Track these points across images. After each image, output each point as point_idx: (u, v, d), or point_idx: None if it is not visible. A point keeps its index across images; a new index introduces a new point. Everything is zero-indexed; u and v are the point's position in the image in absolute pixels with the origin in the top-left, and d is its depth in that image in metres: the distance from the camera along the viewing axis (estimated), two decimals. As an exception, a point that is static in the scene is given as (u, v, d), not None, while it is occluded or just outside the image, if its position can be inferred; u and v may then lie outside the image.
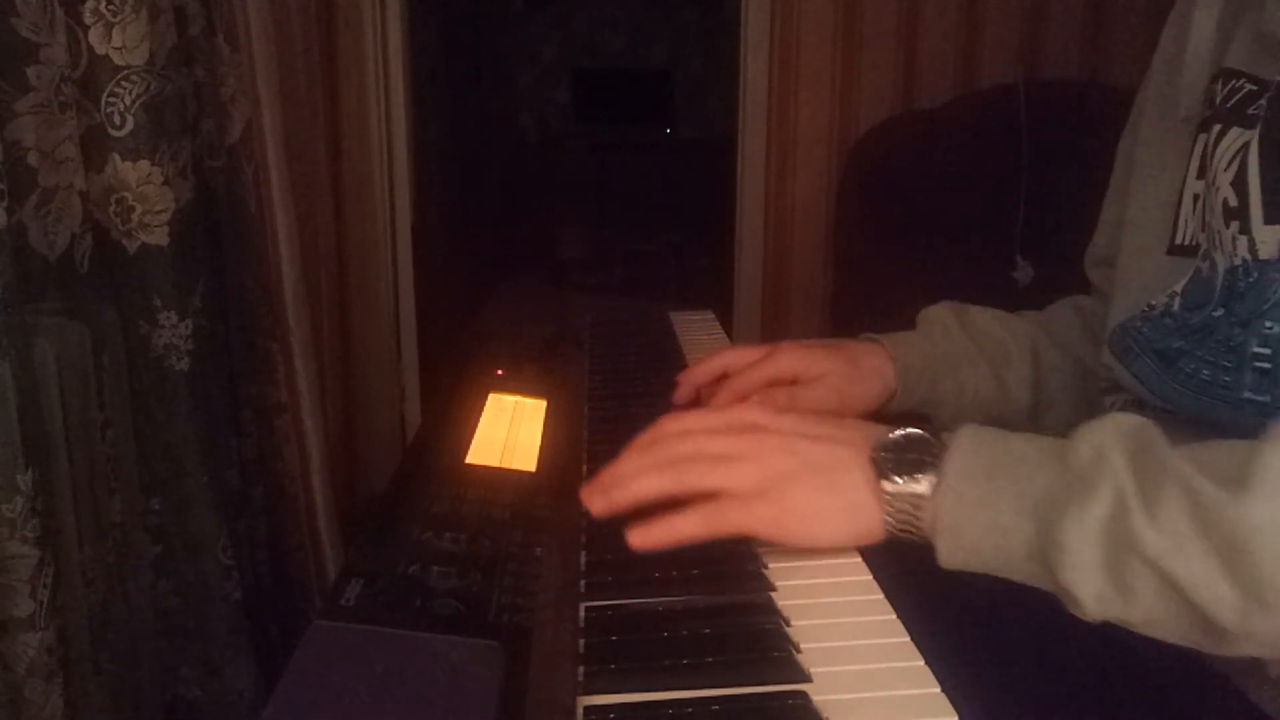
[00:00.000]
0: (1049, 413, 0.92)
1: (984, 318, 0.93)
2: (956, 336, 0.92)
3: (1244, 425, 0.65)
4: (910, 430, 0.64)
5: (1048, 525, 0.56)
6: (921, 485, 0.61)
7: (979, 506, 0.59)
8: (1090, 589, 0.55)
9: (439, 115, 3.69)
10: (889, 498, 0.62)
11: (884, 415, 0.90)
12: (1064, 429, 0.91)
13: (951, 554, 0.60)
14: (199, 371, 1.24)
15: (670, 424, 0.68)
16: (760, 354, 0.88)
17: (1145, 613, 0.55)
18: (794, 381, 0.87)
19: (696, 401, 0.88)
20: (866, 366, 0.89)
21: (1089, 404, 0.91)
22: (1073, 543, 0.55)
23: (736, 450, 0.64)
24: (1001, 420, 0.91)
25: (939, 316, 0.94)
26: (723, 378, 0.88)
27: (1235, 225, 0.66)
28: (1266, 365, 0.64)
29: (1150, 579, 0.53)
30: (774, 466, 0.63)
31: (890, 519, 0.62)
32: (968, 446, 0.61)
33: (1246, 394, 0.65)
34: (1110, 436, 0.57)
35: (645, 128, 5.56)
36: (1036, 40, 2.52)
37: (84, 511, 1.08)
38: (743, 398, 0.85)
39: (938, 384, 0.90)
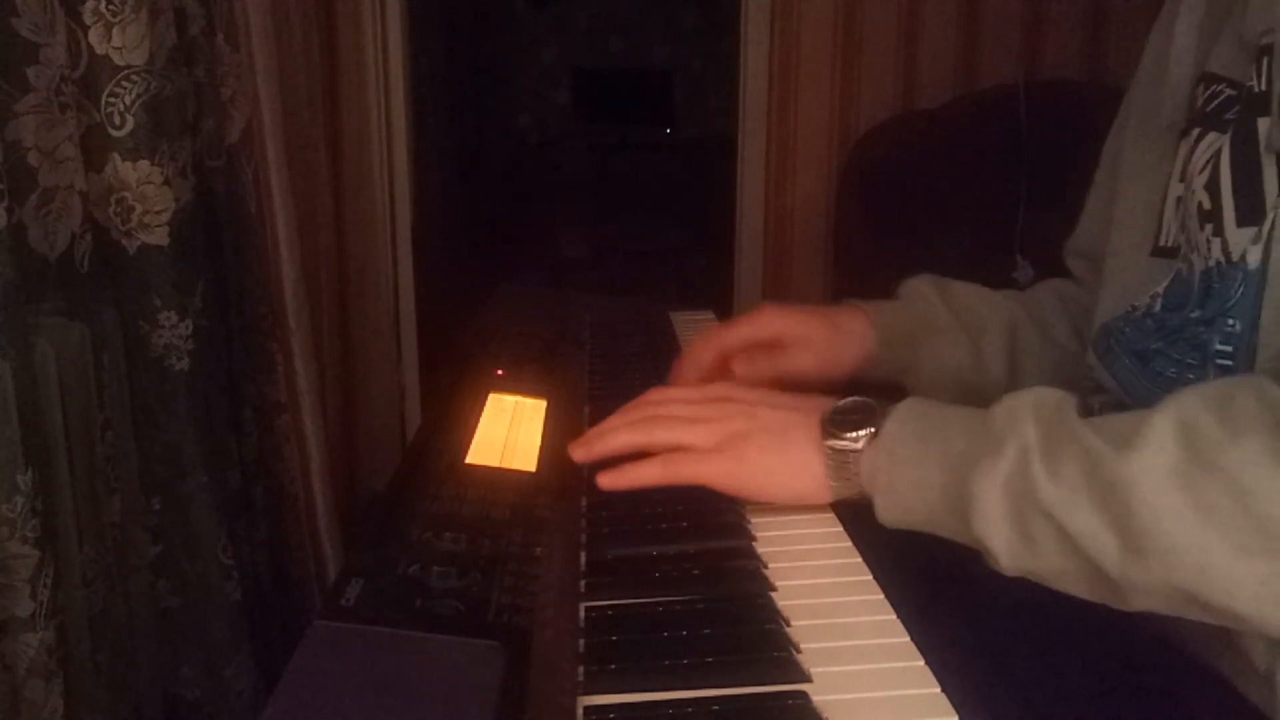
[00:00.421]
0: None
1: (965, 290, 0.95)
2: (937, 306, 0.93)
3: None
4: (858, 398, 0.70)
5: (961, 478, 0.61)
6: (859, 443, 0.67)
7: (908, 464, 0.65)
8: (1000, 540, 0.60)
9: (439, 115, 3.69)
10: (830, 453, 0.68)
11: (863, 383, 0.92)
12: None
13: (888, 510, 0.66)
14: (199, 371, 1.24)
15: (653, 393, 0.77)
16: (745, 319, 0.90)
17: (1049, 565, 0.59)
18: (777, 343, 0.89)
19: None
20: (847, 330, 0.91)
21: (1061, 385, 0.92)
22: (980, 494, 0.60)
23: (702, 414, 0.72)
24: (977, 393, 0.92)
25: (920, 287, 0.95)
26: (723, 357, 0.89)
27: (1210, 228, 0.67)
28: (1228, 363, 0.66)
29: (1049, 530, 0.58)
30: (732, 427, 0.71)
31: (831, 476, 0.68)
32: (905, 412, 0.67)
33: None
34: (1025, 402, 0.62)
35: (645, 128, 5.56)
36: (1036, 40, 2.52)
37: (84, 511, 1.08)
38: (728, 355, 0.88)
39: (916, 351, 0.92)
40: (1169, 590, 0.55)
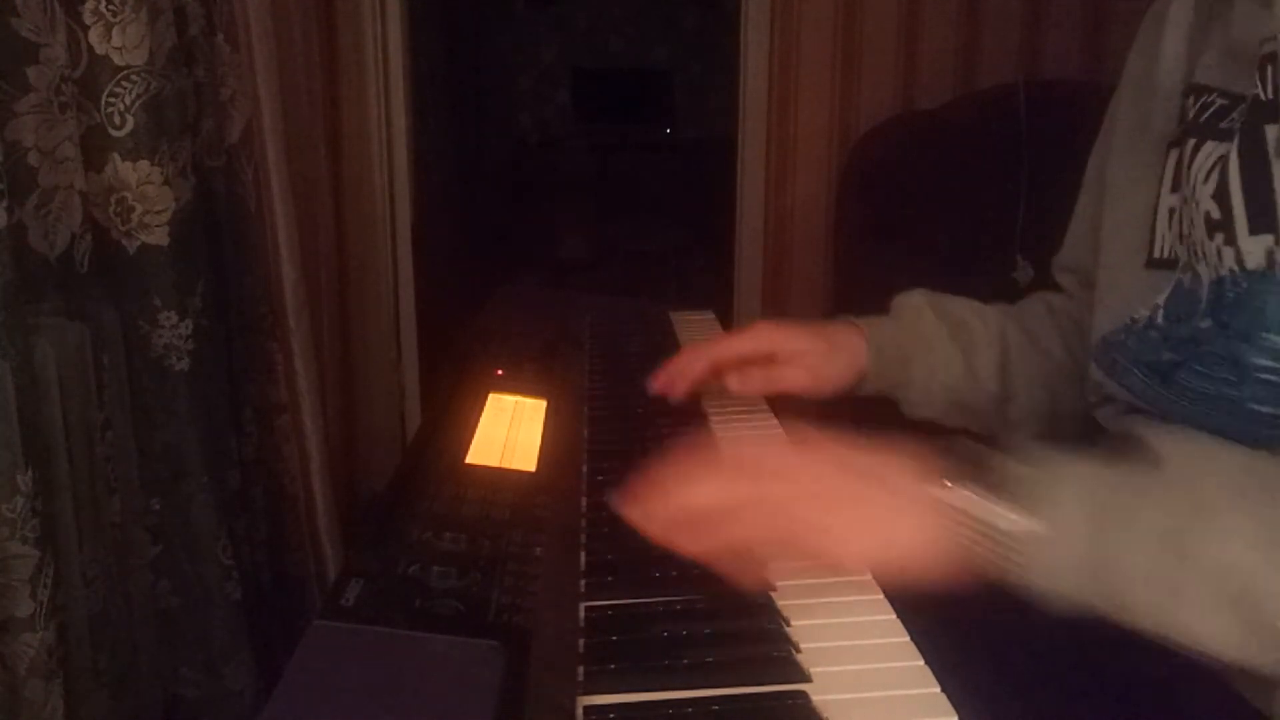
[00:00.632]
0: (1014, 404, 0.93)
1: (957, 305, 0.95)
2: (929, 321, 0.93)
3: (1248, 435, 0.66)
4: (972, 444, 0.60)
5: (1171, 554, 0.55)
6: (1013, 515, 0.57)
7: (1089, 544, 0.56)
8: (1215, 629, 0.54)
9: (439, 115, 3.69)
10: (960, 516, 0.57)
11: (855, 397, 0.92)
12: (1031, 420, 0.93)
13: (1049, 594, 0.57)
14: (199, 371, 1.24)
15: (752, 464, 0.64)
16: (740, 333, 0.90)
17: None
18: (771, 358, 0.89)
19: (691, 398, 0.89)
20: (841, 346, 0.91)
21: (1053, 397, 0.93)
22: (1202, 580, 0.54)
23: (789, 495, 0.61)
24: (969, 406, 0.93)
25: (913, 302, 0.95)
26: (714, 369, 0.89)
27: (1220, 237, 0.67)
28: (1272, 377, 0.65)
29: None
30: (821, 495, 0.60)
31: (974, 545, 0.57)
32: (1072, 480, 0.58)
33: (1251, 405, 0.66)
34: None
35: (645, 128, 5.56)
36: (1036, 40, 2.51)
37: (84, 511, 1.08)
38: (720, 368, 0.87)
39: (909, 367, 0.92)
40: None
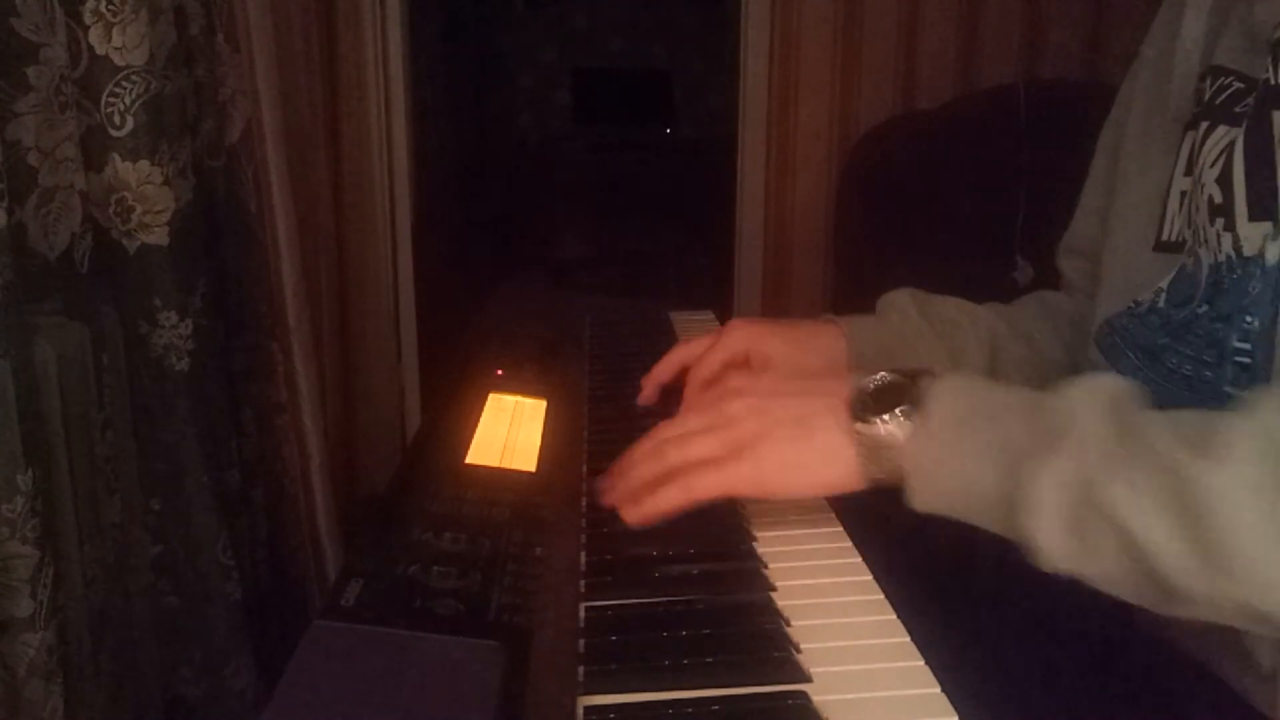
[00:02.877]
0: None
1: (944, 303, 0.93)
2: (914, 319, 0.92)
3: None
4: (887, 374, 0.65)
5: (1015, 474, 0.57)
6: (896, 428, 0.62)
7: (951, 451, 0.60)
8: (1051, 539, 0.56)
9: (439, 115, 3.69)
10: (862, 438, 0.63)
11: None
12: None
13: (922, 496, 0.62)
14: (199, 371, 1.24)
15: (665, 424, 0.71)
16: (712, 339, 0.89)
17: (1102, 568, 0.56)
18: (744, 361, 0.88)
19: (663, 400, 0.89)
20: (816, 347, 0.89)
21: None
22: (1038, 493, 0.56)
23: (713, 422, 0.68)
24: None
25: (897, 300, 0.94)
26: (683, 372, 0.89)
27: (1220, 222, 0.67)
28: (1246, 360, 0.65)
29: (1111, 536, 0.54)
30: (745, 429, 0.67)
31: (865, 461, 0.63)
32: (947, 391, 0.62)
33: (1227, 388, 0.65)
34: (1087, 393, 0.58)
35: (645, 128, 5.55)
36: (1036, 40, 2.52)
37: (84, 511, 1.08)
38: (708, 382, 0.87)
39: (891, 365, 0.90)
40: (1232, 603, 0.53)
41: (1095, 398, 0.58)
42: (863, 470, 0.64)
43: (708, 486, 0.66)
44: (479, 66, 4.89)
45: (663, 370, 0.89)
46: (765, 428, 0.66)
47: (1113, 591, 0.57)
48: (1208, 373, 0.67)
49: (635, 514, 0.67)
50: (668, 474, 0.67)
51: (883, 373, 0.65)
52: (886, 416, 0.63)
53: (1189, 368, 0.69)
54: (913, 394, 0.63)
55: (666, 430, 0.71)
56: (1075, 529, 0.56)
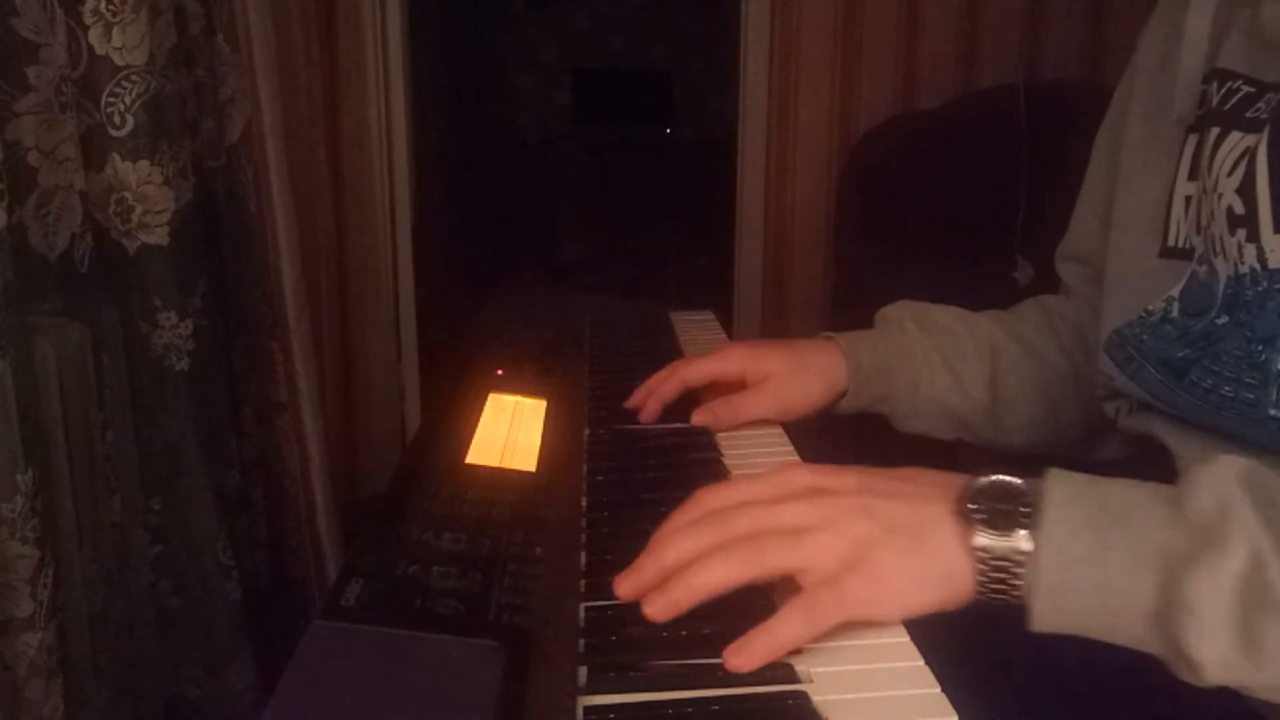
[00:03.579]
0: (1009, 412, 0.91)
1: (942, 315, 0.93)
2: (912, 333, 0.91)
3: (1267, 441, 0.65)
4: (998, 477, 0.57)
5: (1172, 582, 0.51)
6: (1018, 540, 0.54)
7: (1086, 562, 0.53)
8: (1217, 651, 0.50)
9: (439, 115, 3.69)
10: (982, 555, 0.55)
11: (836, 413, 0.91)
12: (1028, 428, 0.91)
13: (1049, 615, 0.54)
14: (199, 371, 1.24)
15: (715, 496, 0.60)
16: (708, 356, 0.89)
17: (1275, 677, 0.50)
18: (740, 383, 0.88)
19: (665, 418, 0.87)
20: (813, 365, 0.89)
21: (1051, 403, 0.91)
22: (1203, 601, 0.50)
23: (809, 519, 0.57)
24: (960, 418, 0.92)
25: (895, 314, 0.94)
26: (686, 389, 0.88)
27: (1242, 233, 0.65)
28: None
29: None
30: (855, 532, 0.56)
31: (982, 577, 0.55)
32: (1066, 494, 0.55)
33: (1272, 412, 0.64)
34: (1231, 483, 0.52)
35: (645, 128, 5.55)
36: (1036, 40, 2.52)
37: (84, 511, 1.08)
38: (688, 387, 0.86)
39: (891, 381, 0.90)
40: None
41: (1241, 487, 0.52)
42: (978, 587, 0.56)
43: (830, 613, 0.55)
44: (479, 66, 4.90)
45: (669, 390, 0.88)
46: (877, 535, 0.56)
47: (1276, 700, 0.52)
48: (1249, 395, 0.65)
49: (749, 658, 0.53)
50: (761, 580, 0.56)
51: (990, 476, 0.57)
52: (1008, 533, 0.55)
53: (1228, 389, 0.66)
54: (1027, 498, 0.55)
55: (730, 515, 0.58)
56: (1246, 638, 0.50)
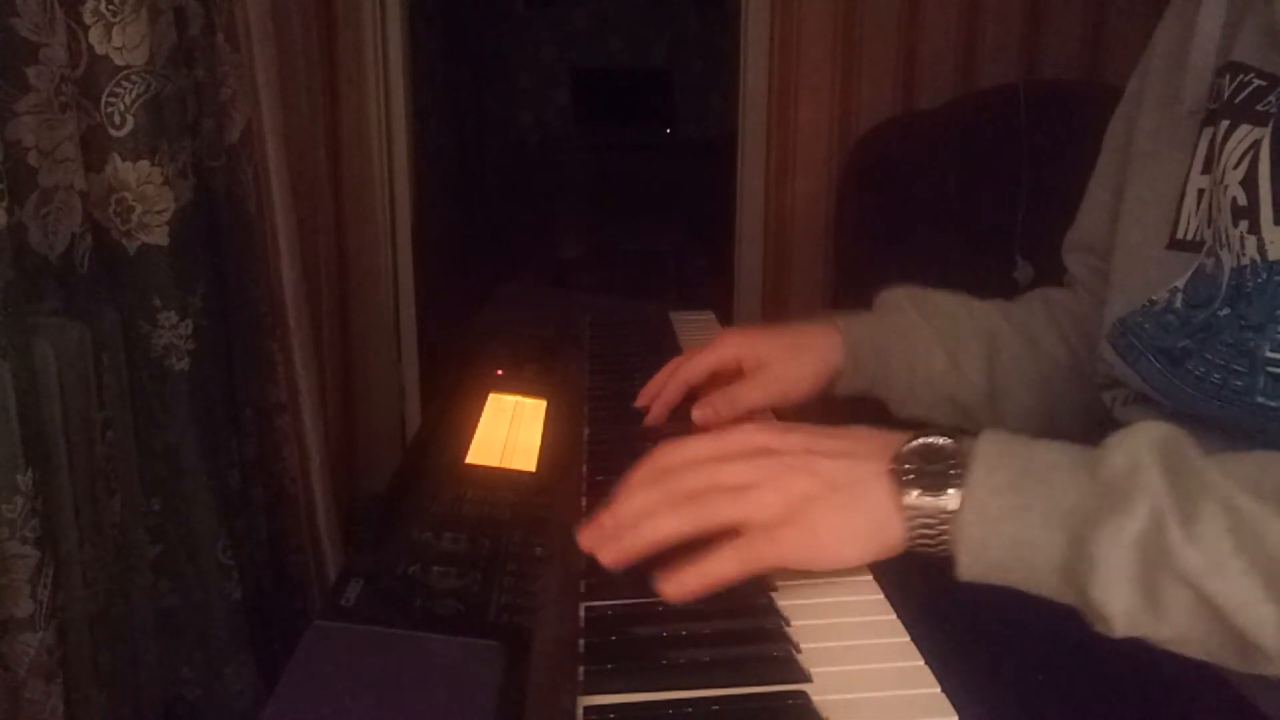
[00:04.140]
0: (1007, 400, 0.91)
1: (942, 299, 0.93)
2: (910, 315, 0.91)
3: (1256, 429, 0.65)
4: (928, 439, 0.60)
5: (1079, 539, 0.54)
6: (945, 499, 0.58)
7: (1005, 519, 0.56)
8: (1120, 605, 0.53)
9: (439, 115, 3.69)
10: (910, 511, 0.59)
11: (835, 395, 0.90)
12: (1025, 417, 0.91)
13: (972, 567, 0.58)
14: (199, 371, 1.24)
15: (670, 455, 0.63)
16: (705, 350, 0.88)
17: (1176, 630, 0.53)
18: (738, 372, 0.87)
19: (674, 419, 0.87)
20: (809, 346, 0.89)
21: (1050, 394, 0.92)
22: (1106, 557, 0.53)
23: (753, 477, 0.61)
24: (957, 402, 0.91)
25: (894, 297, 0.93)
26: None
27: (1244, 225, 0.65)
28: (1279, 370, 0.64)
29: (1185, 597, 0.52)
30: (795, 489, 0.60)
31: (911, 532, 0.59)
32: (992, 455, 0.58)
33: (1260, 399, 0.64)
34: (1144, 447, 0.55)
35: (645, 128, 5.55)
36: (1036, 40, 2.52)
37: (84, 511, 1.08)
38: (690, 386, 0.86)
39: (888, 362, 0.90)
40: None
41: (1153, 451, 0.55)
42: (908, 540, 0.59)
43: (766, 557, 0.59)
44: (479, 66, 4.90)
45: (672, 392, 0.87)
46: (815, 490, 0.60)
47: (1188, 653, 0.54)
48: (1238, 382, 0.66)
49: (681, 588, 0.58)
50: (704, 533, 0.59)
51: (921, 438, 0.60)
52: (935, 491, 0.58)
53: (1217, 376, 0.67)
54: (956, 459, 0.59)
55: (683, 472, 0.62)
56: (1147, 593, 0.53)
